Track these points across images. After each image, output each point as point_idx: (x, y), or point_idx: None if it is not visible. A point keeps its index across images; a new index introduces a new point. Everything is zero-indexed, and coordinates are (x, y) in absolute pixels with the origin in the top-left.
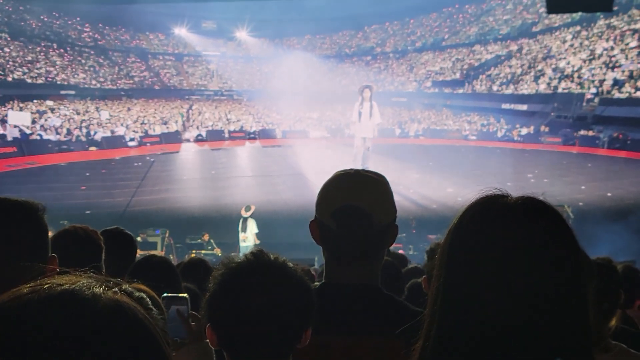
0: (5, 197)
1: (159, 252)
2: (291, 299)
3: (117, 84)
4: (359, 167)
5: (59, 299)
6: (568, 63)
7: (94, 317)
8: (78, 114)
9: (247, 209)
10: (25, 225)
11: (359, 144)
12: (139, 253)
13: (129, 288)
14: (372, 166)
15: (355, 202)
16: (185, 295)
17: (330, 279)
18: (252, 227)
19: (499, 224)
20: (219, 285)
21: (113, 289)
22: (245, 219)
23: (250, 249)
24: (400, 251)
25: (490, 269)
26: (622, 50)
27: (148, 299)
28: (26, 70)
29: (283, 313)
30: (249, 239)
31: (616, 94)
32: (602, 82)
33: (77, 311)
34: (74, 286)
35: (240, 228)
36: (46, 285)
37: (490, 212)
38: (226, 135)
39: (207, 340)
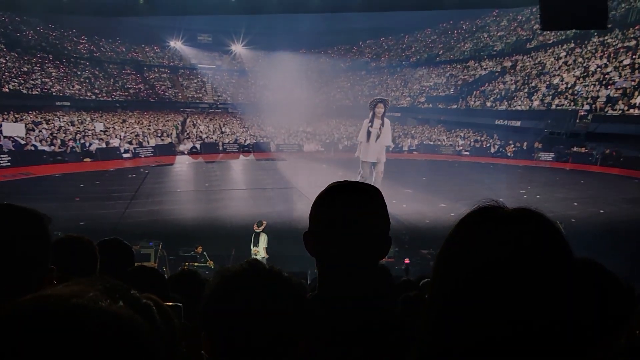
0: (12, 204)
1: (151, 263)
2: (285, 308)
3: (113, 96)
4: None
5: (60, 316)
6: (562, 80)
7: (97, 335)
8: (73, 125)
9: (259, 224)
10: (31, 235)
11: (366, 171)
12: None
13: (136, 294)
14: (367, 181)
15: (349, 214)
16: (179, 304)
17: (324, 291)
18: (264, 241)
19: (495, 233)
20: (214, 293)
21: (119, 303)
22: (257, 234)
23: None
24: (406, 260)
25: (486, 278)
26: (616, 68)
27: (154, 308)
28: (22, 81)
29: (277, 321)
30: (260, 252)
31: (609, 111)
32: (595, 99)
33: (80, 329)
34: (80, 301)
35: (252, 242)
36: (49, 299)
37: (486, 222)
38: (220, 148)
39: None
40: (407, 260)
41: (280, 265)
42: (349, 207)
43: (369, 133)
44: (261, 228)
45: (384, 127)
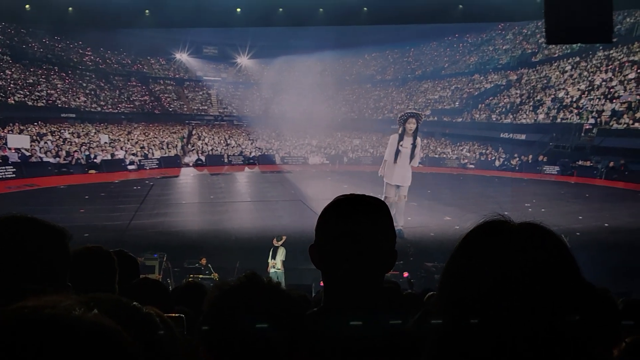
0: (35, 217)
1: (156, 275)
2: (284, 322)
3: (118, 108)
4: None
5: (36, 323)
6: (567, 93)
7: (72, 341)
8: (78, 137)
9: (279, 238)
10: (53, 250)
11: (391, 194)
12: None
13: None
14: (372, 194)
15: (356, 227)
16: (181, 315)
17: (330, 303)
18: (282, 255)
19: (501, 248)
20: (213, 307)
21: (93, 311)
22: (276, 248)
23: (278, 275)
24: (405, 274)
25: (493, 292)
26: (621, 82)
27: (157, 319)
28: (27, 93)
29: (275, 335)
30: (277, 265)
31: (614, 125)
32: (600, 112)
33: (55, 335)
34: (53, 311)
35: (270, 255)
36: (23, 310)
37: (493, 236)
38: (225, 160)
39: None
40: (405, 274)
41: (294, 278)
42: (355, 221)
43: (397, 152)
44: (280, 242)
45: (416, 147)
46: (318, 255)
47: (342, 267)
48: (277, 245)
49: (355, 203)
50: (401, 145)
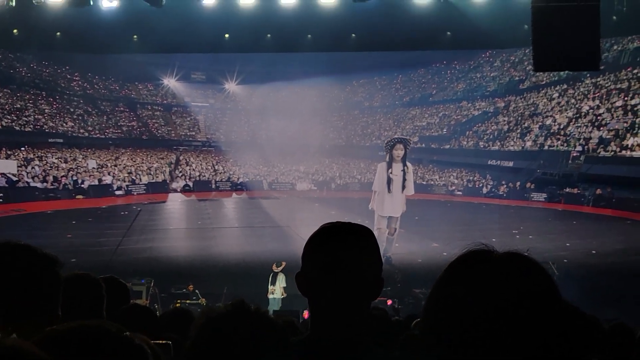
0: (29, 245)
1: (143, 301)
2: (270, 350)
3: (106, 133)
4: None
5: None
6: (554, 121)
7: None
8: (66, 162)
9: (278, 264)
10: (45, 278)
11: (383, 227)
12: None
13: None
14: (361, 223)
15: (342, 254)
16: (168, 342)
17: (316, 332)
18: (282, 281)
19: (484, 277)
20: (200, 334)
21: (12, 336)
22: (275, 274)
23: (277, 301)
24: (389, 301)
25: (475, 322)
26: (608, 109)
27: (148, 349)
28: (15, 118)
29: None
30: (276, 291)
31: (602, 152)
32: (588, 140)
33: None
34: None
35: (270, 281)
36: None
37: (476, 265)
38: (213, 186)
39: None
40: (389, 302)
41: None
42: (341, 249)
43: (389, 181)
44: (280, 268)
45: (407, 174)
46: (304, 283)
47: (328, 295)
48: (276, 271)
49: (341, 231)
50: (391, 173)
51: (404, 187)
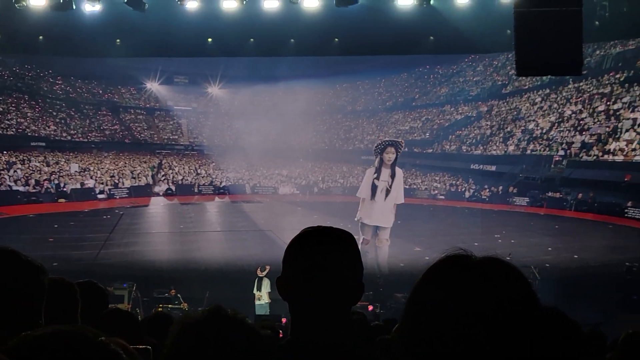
0: (16, 251)
1: (125, 305)
2: (248, 355)
3: (88, 137)
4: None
5: None
6: (537, 125)
7: None
8: (48, 165)
9: (263, 269)
10: (31, 286)
11: (368, 236)
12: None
13: (104, 339)
14: (344, 227)
15: (323, 259)
16: (148, 347)
17: (297, 336)
18: (267, 286)
19: (461, 283)
20: (176, 340)
21: None
22: (260, 279)
23: (264, 307)
24: (370, 307)
25: (452, 327)
26: (591, 114)
27: (124, 354)
28: None
29: None
30: (263, 297)
31: (584, 157)
32: (570, 144)
33: None
34: None
35: (255, 287)
36: None
37: (452, 271)
38: (196, 189)
39: None
40: (370, 308)
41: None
42: (322, 254)
43: (374, 188)
44: (264, 273)
45: (395, 180)
46: (285, 287)
47: (308, 300)
48: (261, 275)
49: (322, 235)
50: (377, 179)
51: (387, 194)
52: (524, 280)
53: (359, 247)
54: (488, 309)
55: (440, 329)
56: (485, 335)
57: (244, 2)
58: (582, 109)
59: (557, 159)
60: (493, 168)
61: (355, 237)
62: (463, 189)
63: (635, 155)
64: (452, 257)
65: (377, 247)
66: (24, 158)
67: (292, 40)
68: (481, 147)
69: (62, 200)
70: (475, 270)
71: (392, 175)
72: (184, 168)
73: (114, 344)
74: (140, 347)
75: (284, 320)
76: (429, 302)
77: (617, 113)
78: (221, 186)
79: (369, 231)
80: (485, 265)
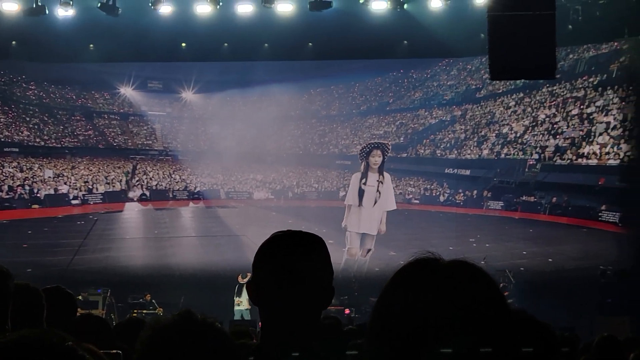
0: None
1: (100, 311)
2: (217, 359)
3: (62, 142)
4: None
5: None
6: (511, 129)
7: None
8: (21, 171)
9: (244, 276)
10: None
11: (355, 245)
12: (80, 312)
13: (71, 344)
14: (318, 232)
15: (293, 263)
16: (118, 352)
17: (267, 340)
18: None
19: (429, 286)
20: (145, 346)
21: None
22: (241, 285)
23: (243, 313)
24: (346, 311)
25: (420, 330)
26: (564, 118)
27: (89, 358)
28: None
29: None
30: (243, 303)
31: (558, 161)
32: (544, 148)
33: None
34: None
35: (235, 293)
36: None
37: (420, 274)
38: (170, 195)
39: None
40: (347, 311)
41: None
42: (291, 258)
43: (361, 193)
44: (245, 279)
45: (385, 185)
46: (255, 292)
47: (278, 304)
48: (242, 282)
49: (291, 239)
50: (364, 184)
51: (377, 200)
52: (492, 284)
53: (344, 256)
54: (456, 312)
55: (408, 332)
56: (455, 339)
57: (218, 7)
58: (556, 112)
59: (531, 162)
60: (467, 172)
61: (343, 249)
62: (438, 193)
63: (608, 159)
64: (420, 260)
65: (360, 257)
66: None
67: (266, 44)
68: (455, 151)
69: (36, 206)
70: (443, 273)
71: (381, 180)
72: (158, 173)
73: (81, 349)
74: (112, 352)
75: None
76: (397, 305)
77: (591, 117)
78: (195, 191)
79: (356, 240)
80: (453, 268)
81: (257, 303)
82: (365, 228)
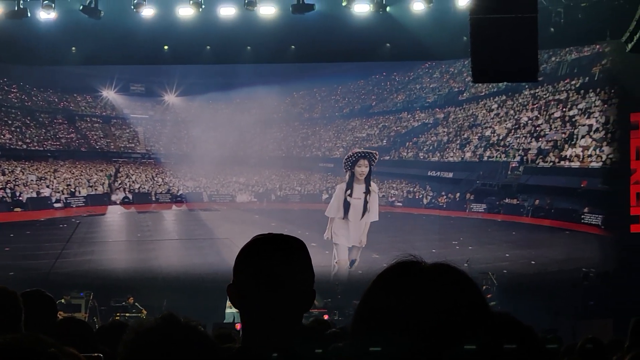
0: None
1: (82, 314)
2: None
3: (44, 145)
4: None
5: None
6: (494, 132)
7: None
8: (4, 174)
9: None
10: None
11: (343, 258)
12: (63, 315)
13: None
14: (301, 234)
15: (273, 266)
16: (99, 355)
17: (248, 343)
18: None
19: (411, 289)
20: (128, 349)
21: None
22: None
23: (235, 315)
24: (325, 316)
25: (400, 333)
26: (547, 120)
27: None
28: None
29: None
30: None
31: (540, 163)
32: (527, 151)
33: None
34: None
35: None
36: None
37: (402, 277)
38: (153, 198)
39: None
40: (326, 317)
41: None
42: (272, 261)
43: (347, 206)
44: None
45: (372, 197)
46: (236, 294)
47: (259, 307)
48: None
49: (272, 243)
50: (349, 196)
51: (364, 212)
52: (473, 287)
53: (335, 267)
54: (437, 315)
55: (390, 335)
56: (435, 342)
57: (200, 10)
58: (539, 115)
59: (513, 165)
60: (450, 175)
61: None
62: (420, 196)
63: (591, 162)
64: (402, 263)
65: (346, 267)
66: None
67: (248, 47)
68: (438, 154)
69: (18, 209)
70: (425, 276)
71: (367, 191)
72: (140, 176)
73: (63, 354)
74: (93, 355)
75: (237, 326)
76: (379, 309)
77: (573, 119)
78: (178, 194)
79: (345, 252)
80: (435, 272)
81: (237, 306)
82: (354, 241)
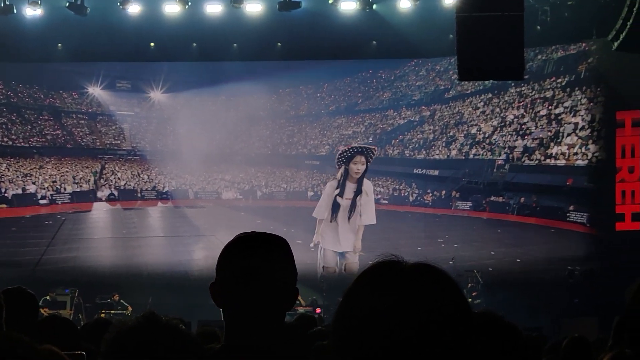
0: None
1: (67, 311)
2: None
3: (30, 142)
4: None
5: None
6: (479, 129)
7: None
8: None
9: None
10: None
11: (331, 263)
12: (47, 312)
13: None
14: (287, 232)
15: (255, 264)
16: (82, 352)
17: (230, 341)
18: None
19: (391, 289)
20: (110, 347)
21: None
22: None
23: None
24: (317, 309)
25: (382, 333)
26: (533, 118)
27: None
28: None
29: None
30: None
31: (526, 161)
32: (512, 149)
33: None
34: None
35: None
36: None
37: (382, 277)
38: (139, 195)
39: None
40: (318, 310)
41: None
42: (255, 259)
43: (335, 207)
44: None
45: (364, 197)
46: (219, 292)
47: (241, 305)
48: None
49: (255, 241)
50: (339, 196)
51: (350, 216)
52: (455, 287)
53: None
54: (418, 315)
55: (371, 335)
56: (417, 342)
57: (187, 6)
58: (524, 113)
59: (499, 163)
60: (436, 172)
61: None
62: (406, 194)
63: (576, 160)
64: (383, 262)
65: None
66: None
67: (235, 44)
68: (424, 152)
69: (4, 205)
70: (406, 275)
71: (358, 191)
72: (126, 173)
73: (37, 352)
74: (76, 353)
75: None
76: (360, 308)
77: (559, 117)
78: (164, 191)
79: (333, 258)
80: (416, 271)
81: (219, 305)
82: (343, 246)
